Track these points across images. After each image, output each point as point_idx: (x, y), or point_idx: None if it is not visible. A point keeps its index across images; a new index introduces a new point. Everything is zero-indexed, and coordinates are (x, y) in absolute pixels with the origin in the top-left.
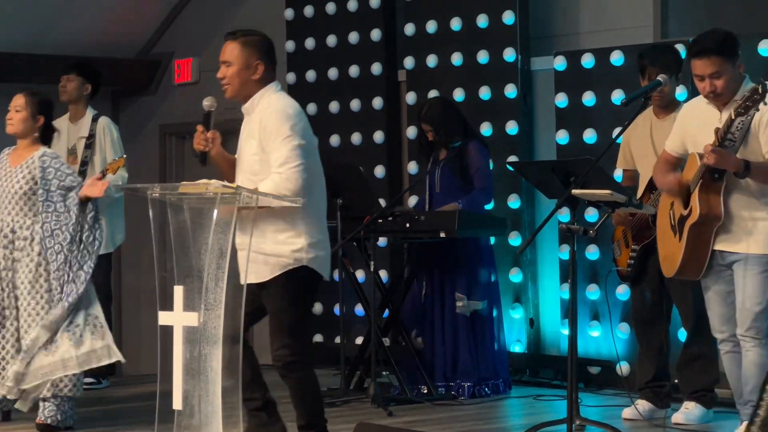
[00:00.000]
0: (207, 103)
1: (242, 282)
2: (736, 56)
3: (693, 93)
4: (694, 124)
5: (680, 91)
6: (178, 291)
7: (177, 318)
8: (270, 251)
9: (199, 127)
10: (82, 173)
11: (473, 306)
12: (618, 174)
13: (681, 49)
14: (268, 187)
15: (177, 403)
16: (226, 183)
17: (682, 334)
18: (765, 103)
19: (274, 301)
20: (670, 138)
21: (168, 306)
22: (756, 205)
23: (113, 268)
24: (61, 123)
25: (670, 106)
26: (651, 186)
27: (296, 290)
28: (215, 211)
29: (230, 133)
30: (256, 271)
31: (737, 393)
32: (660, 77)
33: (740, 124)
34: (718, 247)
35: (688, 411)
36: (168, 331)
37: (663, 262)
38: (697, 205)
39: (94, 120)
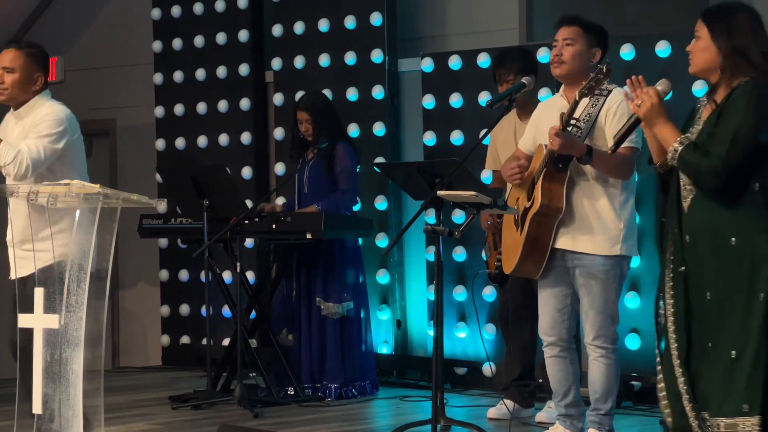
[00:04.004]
0: None
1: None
2: (595, 40)
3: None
4: (546, 120)
5: (545, 93)
6: (39, 293)
7: (37, 320)
8: (37, 248)
9: None
10: None
11: (340, 309)
12: (487, 175)
13: (545, 52)
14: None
15: (36, 408)
16: (87, 183)
17: None
18: (609, 91)
19: None
20: (524, 136)
21: (28, 308)
22: (597, 197)
23: None
24: None
25: (529, 106)
26: None
27: None
28: (77, 212)
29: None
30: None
31: (558, 395)
32: (524, 79)
33: (587, 116)
34: (559, 245)
35: (551, 410)
36: (28, 333)
37: (503, 256)
38: (539, 196)
39: None
